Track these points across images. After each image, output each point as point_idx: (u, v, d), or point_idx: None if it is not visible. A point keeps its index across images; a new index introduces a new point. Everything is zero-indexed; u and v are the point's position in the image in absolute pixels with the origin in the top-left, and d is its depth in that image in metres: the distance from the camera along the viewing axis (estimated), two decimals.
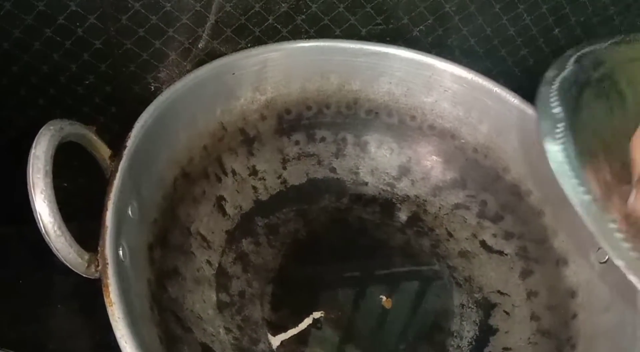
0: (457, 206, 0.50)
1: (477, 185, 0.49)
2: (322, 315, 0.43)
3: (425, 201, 0.51)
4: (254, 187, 0.48)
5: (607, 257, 0.40)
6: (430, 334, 0.44)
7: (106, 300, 0.30)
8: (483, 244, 0.48)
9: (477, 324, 0.45)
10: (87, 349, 0.48)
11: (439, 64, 0.48)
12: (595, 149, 0.31)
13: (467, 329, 0.44)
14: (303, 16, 0.48)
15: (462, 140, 0.49)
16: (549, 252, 0.45)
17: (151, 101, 0.49)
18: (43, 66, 0.46)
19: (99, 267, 0.31)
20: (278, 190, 0.49)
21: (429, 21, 0.51)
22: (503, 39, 0.54)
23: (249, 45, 0.49)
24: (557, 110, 0.32)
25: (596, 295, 0.41)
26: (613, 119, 0.34)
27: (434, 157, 0.51)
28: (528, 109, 0.45)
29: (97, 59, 0.46)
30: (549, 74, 0.35)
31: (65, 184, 0.50)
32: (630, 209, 0.29)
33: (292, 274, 0.45)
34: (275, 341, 0.41)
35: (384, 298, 0.45)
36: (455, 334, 0.44)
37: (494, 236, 0.48)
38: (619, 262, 0.26)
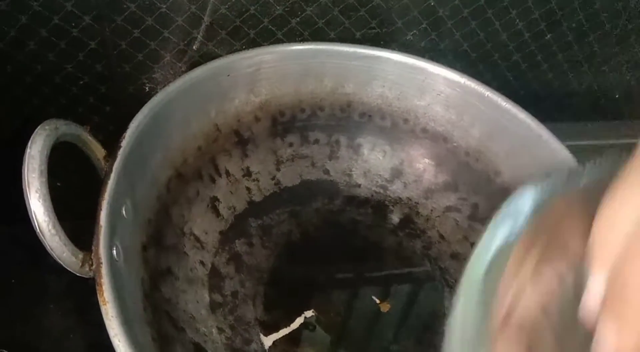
0: (448, 209, 0.50)
1: (469, 188, 0.50)
2: (314, 314, 0.43)
3: (418, 203, 0.51)
4: (248, 188, 0.48)
5: None
6: (421, 335, 0.44)
7: (100, 299, 0.30)
8: (474, 246, 0.49)
9: None
10: (79, 349, 0.48)
11: (432, 68, 0.48)
12: None
13: None
14: (298, 19, 0.48)
15: (454, 144, 0.50)
16: None
17: (145, 102, 0.49)
18: (38, 66, 0.46)
19: (93, 267, 0.31)
20: (272, 191, 0.49)
21: (423, 25, 0.51)
22: (496, 44, 0.54)
23: (243, 47, 0.49)
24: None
25: None
26: None
27: (426, 160, 0.51)
28: (520, 114, 0.46)
29: (92, 60, 0.46)
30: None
31: (59, 183, 0.50)
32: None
33: (284, 275, 0.45)
34: (268, 341, 0.42)
35: (379, 302, 0.45)
36: None
37: None
38: None
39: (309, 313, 0.44)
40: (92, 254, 0.31)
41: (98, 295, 0.30)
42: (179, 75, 0.48)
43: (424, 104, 0.50)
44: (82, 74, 0.47)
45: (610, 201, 0.23)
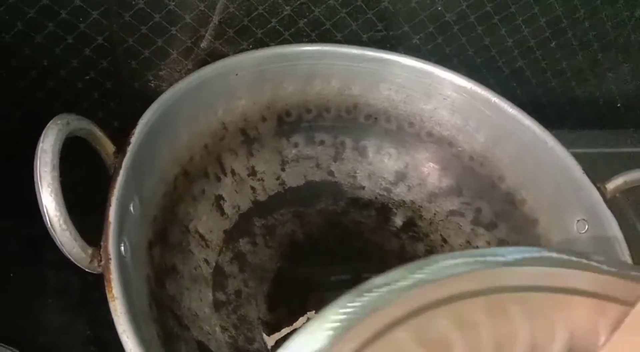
0: (452, 213, 0.50)
1: (473, 192, 0.50)
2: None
3: (421, 206, 0.51)
4: (253, 188, 0.48)
5: None
6: None
7: (108, 295, 0.30)
8: None
9: None
10: (77, 344, 0.48)
11: (439, 72, 0.48)
12: None
13: None
14: (305, 20, 0.48)
15: (459, 148, 0.50)
16: None
17: (151, 98, 0.49)
18: (44, 60, 0.46)
19: (102, 262, 0.31)
20: (276, 191, 0.49)
21: (429, 29, 0.52)
22: (501, 50, 0.55)
23: (250, 46, 0.49)
24: None
25: None
26: None
27: (431, 164, 0.51)
28: (525, 120, 0.46)
29: (98, 55, 0.46)
30: None
31: (61, 178, 0.50)
32: None
33: (287, 275, 0.46)
34: (270, 340, 0.42)
35: None
36: None
37: (488, 243, 0.49)
38: None
39: (312, 313, 0.44)
40: (101, 250, 0.31)
41: (107, 291, 0.30)
42: (186, 73, 0.49)
43: (430, 108, 0.50)
44: (88, 69, 0.47)
45: None
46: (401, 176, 0.52)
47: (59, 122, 0.31)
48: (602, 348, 0.27)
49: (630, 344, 0.26)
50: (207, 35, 0.47)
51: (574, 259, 0.26)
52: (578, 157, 0.44)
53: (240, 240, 0.45)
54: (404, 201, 0.51)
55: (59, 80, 0.47)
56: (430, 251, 0.49)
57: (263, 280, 0.44)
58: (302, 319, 0.43)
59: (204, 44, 0.48)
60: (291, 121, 0.49)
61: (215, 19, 0.46)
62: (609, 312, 0.27)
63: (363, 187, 0.52)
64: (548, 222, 0.45)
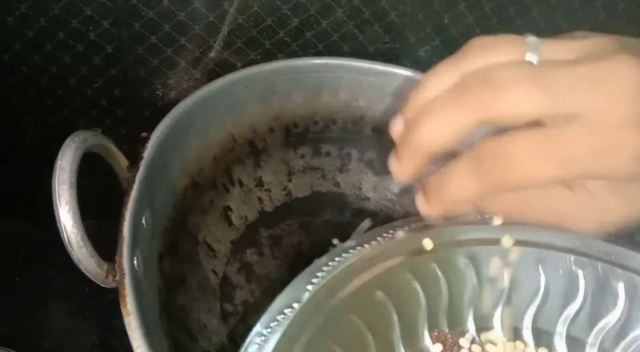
0: None
1: None
2: None
3: None
4: (260, 198, 0.48)
5: None
6: None
7: (123, 310, 0.31)
8: None
9: None
10: (82, 348, 0.49)
11: None
12: None
13: None
14: (313, 32, 0.49)
15: None
16: None
17: (158, 106, 0.50)
18: (53, 68, 0.46)
19: (117, 278, 0.32)
20: (283, 202, 0.50)
21: (435, 42, 0.52)
22: None
23: (258, 57, 0.49)
24: None
25: None
26: None
27: None
28: None
29: (107, 63, 0.47)
30: None
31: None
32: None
33: None
34: None
35: None
36: None
37: None
38: None
39: None
40: (116, 265, 0.32)
41: (121, 306, 0.31)
42: (194, 82, 0.49)
43: None
44: (97, 77, 0.47)
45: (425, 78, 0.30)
46: (406, 188, 0.52)
47: (76, 139, 0.31)
48: None
49: None
50: (215, 45, 0.48)
51: None
52: None
53: (247, 250, 0.46)
54: (408, 213, 0.52)
55: (68, 88, 0.47)
56: None
57: (269, 290, 0.45)
58: None
59: (212, 54, 0.48)
60: (298, 132, 0.50)
61: (224, 29, 0.47)
62: None
63: (368, 199, 0.52)
64: None
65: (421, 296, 0.32)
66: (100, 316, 0.50)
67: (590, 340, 0.33)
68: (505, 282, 0.34)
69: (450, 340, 0.32)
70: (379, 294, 0.31)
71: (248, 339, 0.29)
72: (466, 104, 0.27)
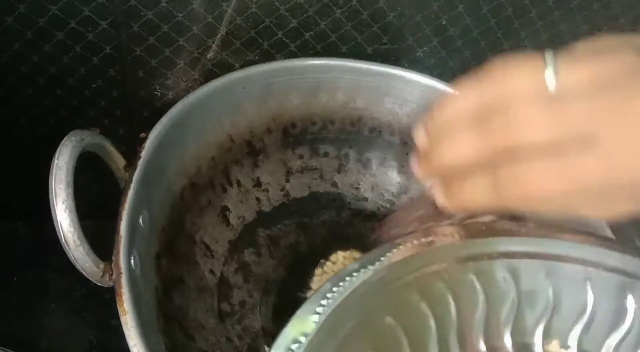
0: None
1: None
2: None
3: None
4: (257, 199, 0.49)
5: None
6: None
7: (120, 309, 0.31)
8: None
9: None
10: (79, 348, 0.49)
11: (443, 87, 0.49)
12: None
13: None
14: (311, 32, 0.49)
15: None
16: None
17: (156, 106, 0.50)
18: (51, 68, 0.46)
19: (113, 276, 0.32)
20: (280, 202, 0.50)
21: (433, 43, 0.52)
22: None
23: (257, 58, 0.49)
24: None
25: None
26: None
27: None
28: None
29: (106, 64, 0.47)
30: None
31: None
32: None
33: (291, 285, 0.46)
34: None
35: None
36: None
37: None
38: None
39: None
40: (113, 264, 0.32)
41: (118, 305, 0.31)
42: (192, 82, 0.49)
43: None
44: (96, 78, 0.47)
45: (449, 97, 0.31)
46: (404, 188, 0.52)
47: (73, 138, 0.31)
48: None
49: None
50: (214, 46, 0.48)
51: None
52: None
53: (245, 250, 0.46)
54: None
55: (67, 88, 0.47)
56: None
57: (267, 291, 0.45)
58: None
59: (210, 55, 0.48)
60: (296, 133, 0.50)
61: (223, 30, 0.47)
62: None
63: (366, 199, 0.52)
64: None
65: (452, 309, 0.31)
66: (97, 316, 0.50)
67: None
68: (550, 299, 0.33)
69: None
70: (389, 319, 0.30)
71: None
72: (485, 136, 0.29)
